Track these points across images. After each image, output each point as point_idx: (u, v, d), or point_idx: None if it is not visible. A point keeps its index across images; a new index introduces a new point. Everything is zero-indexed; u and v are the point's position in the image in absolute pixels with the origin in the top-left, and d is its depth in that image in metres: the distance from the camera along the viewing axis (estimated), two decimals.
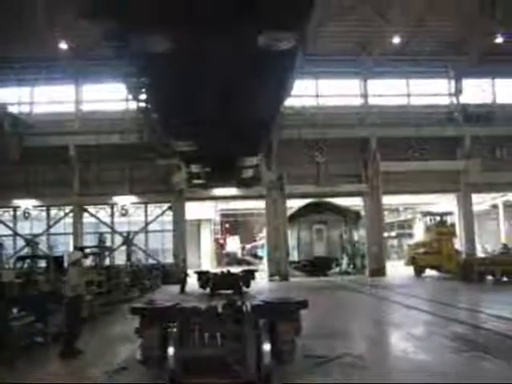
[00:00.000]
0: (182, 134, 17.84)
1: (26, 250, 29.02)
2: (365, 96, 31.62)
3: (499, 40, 29.29)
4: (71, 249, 27.36)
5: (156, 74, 12.39)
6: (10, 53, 28.59)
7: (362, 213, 32.21)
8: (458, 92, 32.01)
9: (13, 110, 30.03)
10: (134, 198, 30.70)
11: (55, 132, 29.27)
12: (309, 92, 31.30)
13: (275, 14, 8.38)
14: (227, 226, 56.81)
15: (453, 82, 32.16)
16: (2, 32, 26.13)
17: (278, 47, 9.57)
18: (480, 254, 32.19)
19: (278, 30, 9.08)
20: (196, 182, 27.20)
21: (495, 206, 39.07)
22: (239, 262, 47.45)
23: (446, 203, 34.61)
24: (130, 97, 24.17)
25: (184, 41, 9.14)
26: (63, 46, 28.63)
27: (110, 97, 31.29)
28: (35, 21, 24.98)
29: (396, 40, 28.90)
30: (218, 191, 30.27)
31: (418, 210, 42.22)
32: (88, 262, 20.71)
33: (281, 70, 11.75)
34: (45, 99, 31.54)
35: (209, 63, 10.54)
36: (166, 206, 31.12)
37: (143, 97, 19.83)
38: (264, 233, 35.61)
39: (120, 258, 28.07)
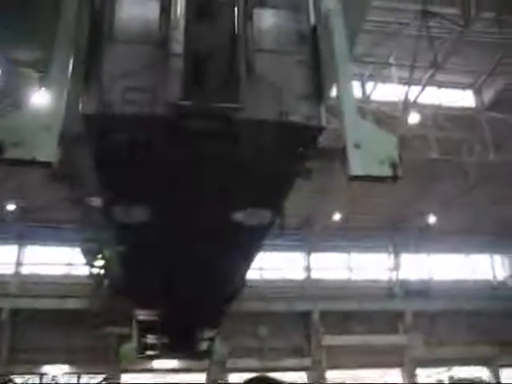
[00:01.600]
0: (141, 303, 16.81)
1: None
2: (308, 269, 32.28)
3: (432, 219, 31.24)
4: None
5: (120, 243, 11.59)
6: None
7: None
8: (397, 267, 33.17)
9: None
10: (66, 368, 28.88)
11: None
12: (253, 264, 31.59)
13: (254, 193, 8.53)
14: None
15: (392, 257, 33.44)
16: None
17: (254, 222, 9.63)
18: None
19: (256, 208, 9.24)
20: (149, 353, 25.85)
21: (441, 382, 38.50)
22: None
23: (392, 378, 33.99)
24: (81, 261, 23.64)
25: (160, 214, 8.97)
26: (11, 206, 28.64)
27: (52, 260, 30.67)
28: None
29: (337, 217, 30.33)
30: (158, 363, 28.86)
31: None
32: None
33: (252, 243, 11.54)
34: None
35: (180, 235, 10.29)
36: (100, 377, 29.36)
37: (98, 263, 19.31)
38: None
39: None
